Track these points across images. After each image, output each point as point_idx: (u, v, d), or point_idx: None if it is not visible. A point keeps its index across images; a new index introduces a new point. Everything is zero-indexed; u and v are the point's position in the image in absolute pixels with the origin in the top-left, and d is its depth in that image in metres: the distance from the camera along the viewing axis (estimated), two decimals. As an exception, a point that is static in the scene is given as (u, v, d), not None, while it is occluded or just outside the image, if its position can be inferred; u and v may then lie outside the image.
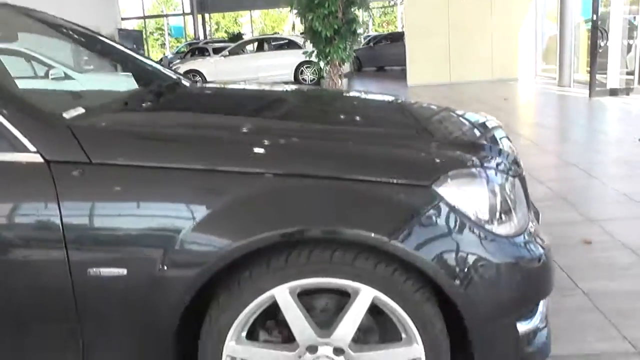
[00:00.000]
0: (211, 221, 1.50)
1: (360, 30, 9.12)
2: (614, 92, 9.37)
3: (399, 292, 1.53)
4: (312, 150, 1.65)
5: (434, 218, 1.54)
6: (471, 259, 1.54)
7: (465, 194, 1.59)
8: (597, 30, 9.12)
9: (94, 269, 1.52)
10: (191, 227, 1.49)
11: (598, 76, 9.41)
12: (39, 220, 1.52)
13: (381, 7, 30.11)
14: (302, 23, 8.68)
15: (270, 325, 1.70)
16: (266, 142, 1.67)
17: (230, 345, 1.58)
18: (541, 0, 13.68)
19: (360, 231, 1.49)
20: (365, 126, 2.10)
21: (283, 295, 1.53)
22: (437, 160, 1.65)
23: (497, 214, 1.63)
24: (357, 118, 2.27)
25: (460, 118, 2.22)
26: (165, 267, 1.50)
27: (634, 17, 9.90)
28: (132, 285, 1.52)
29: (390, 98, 2.77)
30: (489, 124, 2.16)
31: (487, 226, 1.60)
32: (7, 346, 1.62)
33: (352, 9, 8.00)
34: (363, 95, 3.15)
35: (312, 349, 1.58)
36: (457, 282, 1.53)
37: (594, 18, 9.10)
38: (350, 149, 1.69)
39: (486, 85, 12.68)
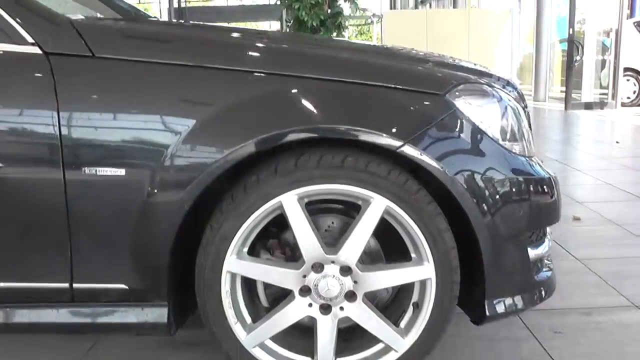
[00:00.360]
0: (217, 118, 1.42)
1: (345, 24, 9.15)
2: (588, 106, 9.57)
3: (411, 202, 1.47)
4: (333, 58, 1.62)
5: (447, 126, 1.50)
6: (484, 168, 1.50)
7: (478, 108, 1.56)
8: (573, 44, 9.32)
9: (90, 168, 1.42)
10: (196, 125, 1.42)
11: (573, 94, 9.61)
12: (33, 113, 1.43)
13: (356, 26, 30.45)
14: (287, 14, 8.67)
15: (272, 244, 1.62)
16: (287, 49, 1.67)
17: (231, 260, 1.49)
18: (517, 19, 13.96)
19: (375, 132, 1.43)
20: (377, 52, 2.06)
21: (291, 202, 1.45)
22: (450, 75, 1.62)
23: (509, 133, 1.60)
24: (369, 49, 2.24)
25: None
26: (166, 169, 1.42)
27: (607, 38, 10.15)
28: (129, 187, 1.43)
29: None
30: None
31: (500, 141, 1.56)
32: None
33: (338, 3, 8.03)
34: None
35: (318, 267, 1.51)
36: (469, 191, 1.48)
37: (570, 32, 9.31)
38: (367, 59, 1.66)
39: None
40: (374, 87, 1.50)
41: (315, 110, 1.47)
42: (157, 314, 1.54)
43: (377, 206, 1.47)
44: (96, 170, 1.43)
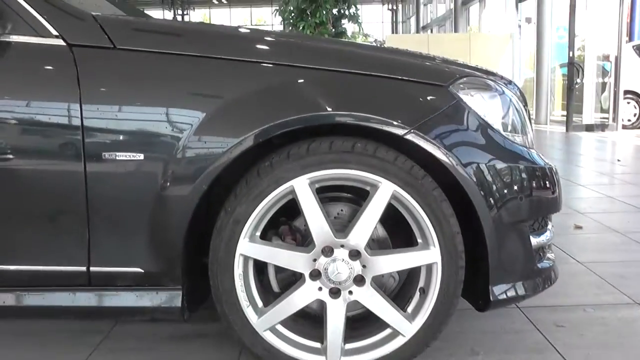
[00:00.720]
0: (234, 105, 1.50)
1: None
2: (590, 128, 9.65)
3: (417, 187, 1.52)
4: (343, 53, 1.70)
5: (450, 116, 1.57)
6: (487, 157, 1.57)
7: (481, 100, 1.63)
8: (573, 66, 9.44)
9: (110, 153, 1.49)
10: (211, 112, 1.49)
11: (574, 117, 9.70)
12: (57, 101, 1.50)
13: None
14: (292, 32, 8.87)
15: (284, 230, 1.67)
16: (305, 44, 1.76)
17: (244, 243, 1.54)
18: (517, 44, 14.16)
19: (382, 119, 1.50)
20: (386, 50, 2.15)
21: (303, 187, 1.51)
22: (453, 69, 1.69)
23: (510, 125, 1.67)
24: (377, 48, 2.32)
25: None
26: (182, 153, 1.48)
27: (607, 62, 10.28)
28: (147, 171, 1.50)
29: None
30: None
31: (502, 132, 1.63)
32: (8, 235, 1.57)
33: (342, 23, 8.20)
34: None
35: (328, 251, 1.56)
36: (473, 178, 1.54)
37: (570, 54, 9.44)
38: (376, 54, 1.74)
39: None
40: (381, 78, 1.57)
41: (330, 99, 1.55)
42: (171, 298, 1.59)
43: (384, 191, 1.53)
44: (116, 155, 1.49)
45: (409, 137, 1.51)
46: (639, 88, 9.72)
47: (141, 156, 1.49)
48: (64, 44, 1.52)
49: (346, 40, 2.52)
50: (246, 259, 1.57)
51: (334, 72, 1.57)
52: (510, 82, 1.87)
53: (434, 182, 1.54)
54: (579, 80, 9.56)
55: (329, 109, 1.53)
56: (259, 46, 1.66)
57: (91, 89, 1.50)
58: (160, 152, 1.50)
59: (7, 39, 1.52)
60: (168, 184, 1.50)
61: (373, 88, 1.57)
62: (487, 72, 1.81)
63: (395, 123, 1.50)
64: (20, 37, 1.53)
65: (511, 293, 1.66)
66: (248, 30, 1.85)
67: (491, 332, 1.97)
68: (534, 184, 1.64)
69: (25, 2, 1.53)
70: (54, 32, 1.53)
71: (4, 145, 1.50)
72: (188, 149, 1.49)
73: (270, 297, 1.67)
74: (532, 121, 1.90)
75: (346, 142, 1.51)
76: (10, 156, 1.51)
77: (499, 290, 1.64)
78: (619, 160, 6.13)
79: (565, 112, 10.04)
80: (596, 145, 8.10)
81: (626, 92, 9.63)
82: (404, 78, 1.58)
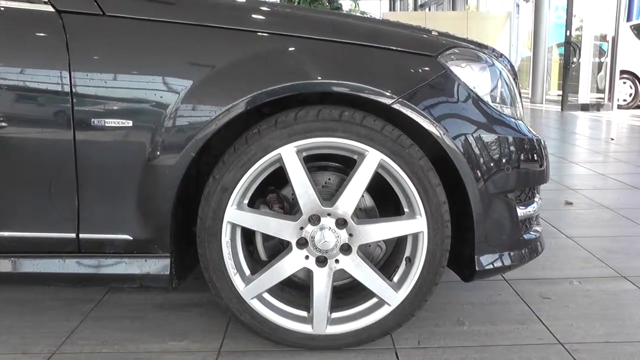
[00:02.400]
0: (224, 73, 1.50)
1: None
2: (585, 108, 9.65)
3: (404, 156, 1.53)
4: (334, 23, 1.68)
5: (438, 86, 1.57)
6: (474, 127, 1.58)
7: (470, 70, 1.63)
8: (570, 46, 9.40)
9: (99, 120, 1.49)
10: (201, 80, 1.49)
11: (570, 97, 9.69)
12: (46, 68, 1.50)
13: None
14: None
15: (271, 198, 1.68)
16: (296, 13, 1.74)
17: (232, 211, 1.55)
18: (515, 23, 14.08)
19: (373, 88, 1.50)
20: (375, 20, 2.12)
21: (290, 154, 1.51)
22: (442, 40, 1.69)
23: (499, 97, 1.67)
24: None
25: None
26: (171, 120, 1.48)
27: (604, 42, 10.24)
28: (136, 139, 1.50)
29: None
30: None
31: (491, 102, 1.63)
32: None
33: (338, -1, 8.15)
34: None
35: (315, 219, 1.57)
36: (459, 147, 1.55)
37: (567, 34, 9.40)
38: (363, 23, 1.74)
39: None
40: (371, 48, 1.57)
41: (322, 68, 1.55)
42: (160, 266, 1.60)
43: (372, 159, 1.53)
44: (104, 122, 1.49)
45: (396, 106, 1.51)
46: (635, 68, 9.69)
47: (130, 123, 1.49)
48: (52, 10, 1.51)
49: (336, 12, 2.55)
50: (234, 226, 1.58)
51: (324, 41, 1.56)
52: (501, 55, 1.87)
53: (420, 152, 1.55)
54: (575, 60, 9.54)
55: (319, 78, 1.52)
56: (250, 15, 1.64)
57: (80, 56, 1.49)
58: (148, 119, 1.49)
59: None
60: (157, 151, 1.50)
61: (362, 57, 1.56)
62: (479, 45, 1.80)
63: (383, 92, 1.50)
64: (8, 2, 1.52)
65: (497, 263, 1.68)
66: (240, 0, 1.83)
67: (478, 304, 2.00)
68: (522, 156, 1.65)
69: None
70: None
71: None
72: (177, 117, 1.49)
73: (257, 265, 1.68)
74: (521, 97, 1.90)
75: (334, 110, 1.51)
76: (0, 124, 1.51)
77: (485, 261, 1.66)
78: (612, 140, 6.15)
79: (561, 92, 10.03)
80: (590, 125, 8.10)
81: (622, 72, 9.61)
82: (393, 48, 1.58)
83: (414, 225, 1.59)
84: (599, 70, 10.27)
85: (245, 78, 1.50)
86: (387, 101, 1.51)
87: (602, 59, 10.02)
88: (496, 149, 1.60)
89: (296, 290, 1.74)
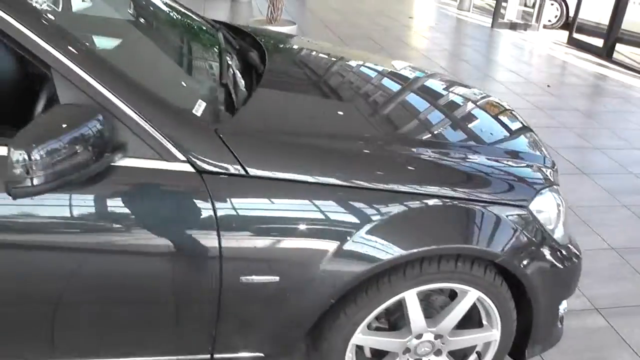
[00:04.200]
0: (372, 232, 1.67)
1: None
2: (513, 26, 10.09)
3: (495, 293, 1.89)
4: (452, 173, 1.86)
5: (529, 234, 1.89)
6: (547, 263, 1.93)
7: (545, 210, 1.95)
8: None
9: (247, 277, 1.63)
10: (351, 237, 1.66)
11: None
12: (194, 232, 1.57)
13: None
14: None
15: (379, 314, 1.99)
16: (421, 164, 1.86)
17: (357, 336, 1.84)
18: None
19: (484, 248, 1.80)
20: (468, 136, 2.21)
21: (411, 297, 1.82)
22: (532, 181, 1.98)
23: (562, 229, 2.02)
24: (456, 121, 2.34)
25: (507, 122, 2.49)
26: (318, 274, 1.67)
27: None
28: (282, 289, 1.68)
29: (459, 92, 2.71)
30: (525, 125, 2.50)
31: (555, 235, 1.98)
32: (138, 340, 1.73)
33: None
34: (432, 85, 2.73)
35: (419, 336, 1.92)
36: (535, 280, 1.90)
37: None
38: (472, 171, 1.90)
39: (389, -1, 12.91)
40: (478, 202, 1.83)
41: (449, 230, 1.79)
42: None
43: (472, 296, 1.88)
44: (252, 279, 1.64)
45: (499, 260, 1.83)
46: (563, -8, 10.14)
47: (277, 279, 1.66)
48: (193, 170, 1.56)
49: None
50: (357, 346, 1.90)
51: (451, 199, 1.78)
52: (553, 163, 2.18)
53: (506, 286, 1.90)
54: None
55: (456, 244, 1.77)
56: (396, 175, 1.77)
57: (227, 217, 1.57)
58: (296, 274, 1.67)
59: (125, 164, 1.52)
60: (302, 299, 1.70)
61: (471, 214, 1.82)
62: (544, 160, 2.11)
63: (497, 254, 1.81)
64: (142, 161, 1.54)
65: (537, 351, 2.13)
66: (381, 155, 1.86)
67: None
68: (574, 277, 2.06)
69: (147, 122, 1.52)
70: (181, 157, 1.55)
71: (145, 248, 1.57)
72: (323, 271, 1.67)
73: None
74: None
75: (450, 262, 1.80)
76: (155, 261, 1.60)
77: (531, 352, 2.10)
78: (548, 86, 6.68)
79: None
80: (521, 45, 8.62)
81: (551, -6, 10.03)
82: (495, 201, 1.84)
83: (491, 335, 1.99)
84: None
85: (389, 239, 1.70)
86: (495, 257, 1.82)
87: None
88: (559, 274, 1.98)
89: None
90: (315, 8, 10.63)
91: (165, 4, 2.58)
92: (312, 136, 1.81)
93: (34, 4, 1.67)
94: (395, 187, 1.73)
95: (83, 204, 1.51)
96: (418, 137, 2.05)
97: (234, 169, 1.59)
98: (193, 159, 1.56)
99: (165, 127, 1.55)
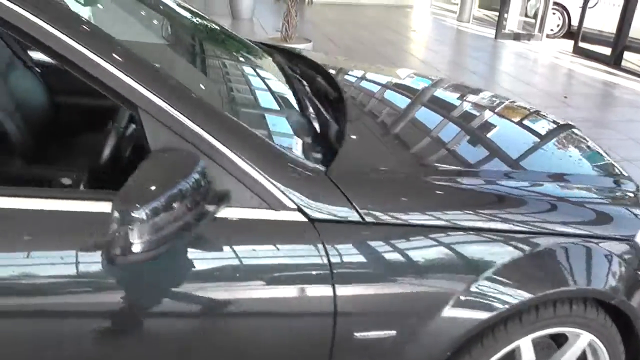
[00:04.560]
0: (496, 276, 1.57)
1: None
2: (517, 37, 10.11)
3: (607, 335, 1.78)
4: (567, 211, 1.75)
5: (636, 268, 1.80)
6: None
7: None
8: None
9: (362, 333, 1.51)
10: (474, 282, 1.55)
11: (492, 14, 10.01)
12: (307, 286, 1.44)
13: None
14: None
15: None
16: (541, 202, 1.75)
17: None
18: None
19: (602, 289, 1.69)
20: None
21: (526, 344, 1.71)
22: (635, 212, 1.88)
23: None
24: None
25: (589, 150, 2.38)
26: (437, 325, 1.55)
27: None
28: (399, 344, 1.56)
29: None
30: (604, 152, 2.43)
31: None
32: None
33: None
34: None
35: (526, 378, 1.81)
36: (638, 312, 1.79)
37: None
38: (584, 208, 1.81)
39: (384, 10, 12.97)
40: (592, 239, 1.73)
41: (571, 271, 1.68)
42: None
43: (584, 340, 1.76)
44: (368, 335, 1.52)
45: (615, 301, 1.74)
46: (565, 1, 10.18)
47: (393, 333, 1.53)
48: (305, 219, 1.41)
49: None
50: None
51: (568, 236, 1.68)
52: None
53: (615, 327, 1.81)
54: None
55: (580, 286, 1.67)
56: (521, 218, 1.66)
57: (344, 271, 1.45)
58: (411, 326, 1.54)
59: (227, 215, 1.37)
60: (416, 349, 1.60)
61: (585, 252, 1.73)
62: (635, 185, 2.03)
63: (612, 295, 1.71)
64: (247, 211, 1.40)
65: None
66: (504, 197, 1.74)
67: None
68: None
69: (253, 168, 1.38)
70: (292, 206, 1.41)
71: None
72: (438, 324, 1.54)
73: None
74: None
75: (565, 305, 1.70)
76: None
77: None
78: (565, 97, 6.65)
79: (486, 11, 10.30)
80: (527, 55, 8.61)
81: (554, 3, 10.06)
82: (605, 236, 1.75)
83: (599, 372, 1.89)
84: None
85: (514, 282, 1.59)
86: (611, 299, 1.72)
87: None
88: None
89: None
90: (316, 21, 10.58)
91: (224, 33, 2.48)
92: (426, 173, 1.70)
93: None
94: (520, 227, 1.62)
95: (185, 263, 1.38)
96: (538, 169, 1.94)
97: (349, 215, 1.47)
98: (304, 206, 1.44)
99: (271, 173, 1.41)
